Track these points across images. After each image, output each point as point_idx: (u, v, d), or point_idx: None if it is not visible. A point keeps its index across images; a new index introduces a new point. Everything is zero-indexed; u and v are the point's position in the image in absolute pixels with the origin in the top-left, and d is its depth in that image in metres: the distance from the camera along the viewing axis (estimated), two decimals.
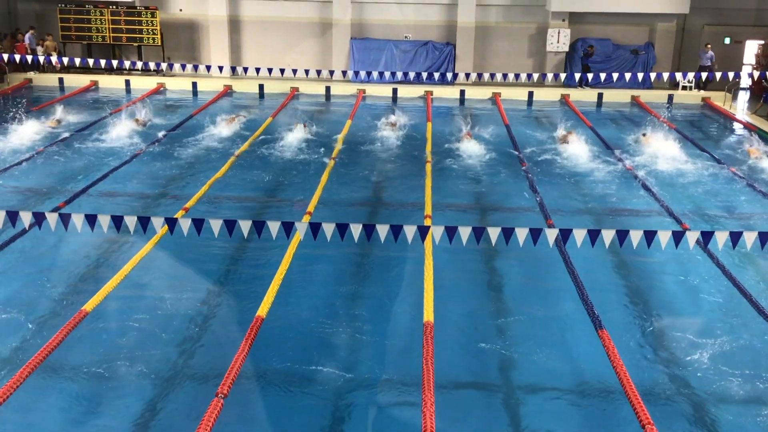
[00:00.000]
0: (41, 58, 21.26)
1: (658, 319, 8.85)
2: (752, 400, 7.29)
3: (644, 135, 17.63)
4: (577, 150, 16.57)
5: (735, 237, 8.00)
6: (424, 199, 12.68)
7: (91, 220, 8.08)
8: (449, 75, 20.24)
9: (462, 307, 9.02)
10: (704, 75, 19.96)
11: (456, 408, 7.01)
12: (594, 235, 8.06)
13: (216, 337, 8.24)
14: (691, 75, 20.74)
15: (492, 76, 18.88)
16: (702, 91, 23.38)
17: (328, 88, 23.55)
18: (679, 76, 21.23)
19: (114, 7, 24.52)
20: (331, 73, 20.48)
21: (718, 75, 18.75)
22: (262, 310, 8.19)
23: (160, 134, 17.28)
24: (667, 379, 7.59)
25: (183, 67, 19.52)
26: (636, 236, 7.99)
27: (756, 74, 19.81)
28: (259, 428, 6.84)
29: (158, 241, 10.18)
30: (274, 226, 8.03)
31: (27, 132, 17.17)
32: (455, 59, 24.98)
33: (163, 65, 20.38)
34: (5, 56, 19.56)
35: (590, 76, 18.95)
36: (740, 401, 7.26)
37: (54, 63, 22.43)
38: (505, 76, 18.77)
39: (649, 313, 9.01)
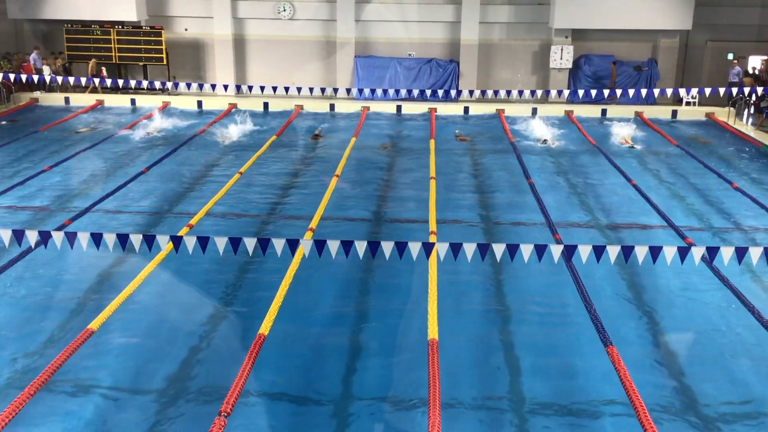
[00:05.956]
0: (47, 78, 21.43)
1: (667, 334, 8.80)
2: (762, 416, 7.22)
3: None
4: (580, 165, 16.59)
5: (740, 252, 7.98)
6: (428, 215, 12.68)
7: (96, 238, 8.10)
8: (453, 92, 20.32)
9: (467, 324, 8.98)
10: (734, 91, 19.85)
11: (463, 427, 6.96)
12: (599, 251, 8.04)
13: (218, 355, 8.21)
14: (694, 91, 20.74)
15: (496, 92, 18.95)
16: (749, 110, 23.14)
17: (332, 106, 23.66)
18: (682, 91, 21.23)
19: (120, 26, 24.75)
20: (336, 90, 20.56)
21: (735, 90, 18.80)
22: (265, 328, 8.16)
23: (165, 152, 17.37)
24: (677, 396, 7.52)
25: (188, 85, 19.64)
26: (641, 252, 7.97)
27: (760, 90, 19.77)
28: None
29: (163, 258, 10.19)
30: (279, 244, 8.03)
31: (35, 150, 17.27)
32: (459, 76, 25.09)
33: (169, 84, 20.50)
34: (11, 76, 19.69)
35: None
36: (751, 418, 7.19)
37: (59, 81, 22.59)
38: (509, 92, 18.83)
39: (657, 329, 8.95)
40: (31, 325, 8.74)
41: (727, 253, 7.94)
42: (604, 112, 23.32)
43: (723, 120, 22.52)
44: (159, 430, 6.81)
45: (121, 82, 20.16)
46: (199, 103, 24.03)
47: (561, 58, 24.69)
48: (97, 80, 21.13)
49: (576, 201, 14.23)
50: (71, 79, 20.29)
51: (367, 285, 10.14)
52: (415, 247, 8.00)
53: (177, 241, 8.22)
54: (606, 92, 18.22)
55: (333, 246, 8.01)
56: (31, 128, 20.10)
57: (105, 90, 24.10)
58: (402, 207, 13.74)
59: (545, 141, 19.09)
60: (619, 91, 18.96)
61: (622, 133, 19.96)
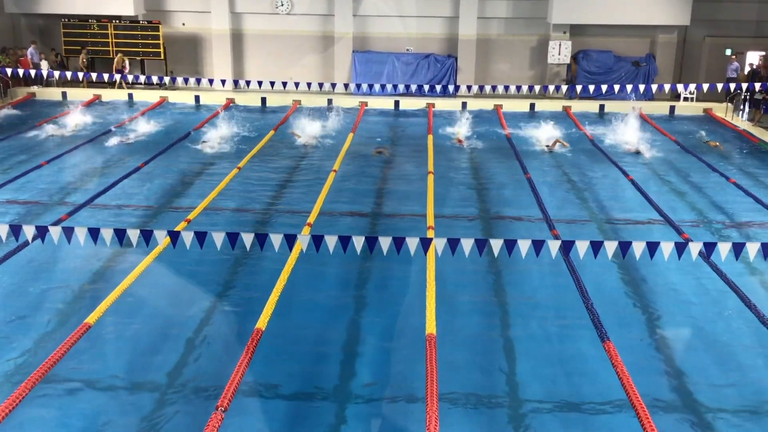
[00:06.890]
0: (44, 72, 21.37)
1: (664, 330, 8.82)
2: (760, 411, 7.24)
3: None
4: (577, 160, 16.60)
5: (738, 248, 7.99)
6: (426, 209, 12.68)
7: (93, 233, 8.08)
8: (451, 87, 20.31)
9: (465, 319, 8.99)
10: (732, 86, 19.79)
11: (460, 422, 6.97)
12: (596, 246, 8.05)
13: (216, 350, 8.22)
14: (692, 86, 20.74)
15: (494, 88, 18.92)
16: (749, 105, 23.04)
17: (330, 101, 23.64)
18: (680, 87, 21.24)
19: (117, 21, 24.67)
20: (333, 85, 20.54)
21: (732, 86, 18.82)
22: (262, 323, 8.16)
23: (162, 147, 17.34)
24: (674, 390, 7.54)
25: (186, 80, 19.60)
26: (639, 247, 7.99)
27: (757, 85, 19.79)
28: None
29: (160, 253, 10.18)
30: (276, 239, 8.04)
31: (31, 144, 17.23)
32: (457, 71, 25.06)
33: (166, 79, 20.46)
34: (8, 70, 19.62)
35: None
36: (748, 412, 7.21)
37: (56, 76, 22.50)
38: (506, 88, 18.81)
39: (655, 324, 8.97)
40: (28, 320, 8.73)
41: (724, 248, 7.96)
42: (602, 107, 23.32)
43: (720, 116, 22.52)
44: (156, 424, 6.82)
45: (118, 76, 20.15)
46: (197, 98, 23.97)
47: (559, 54, 24.67)
48: (130, 76, 21.03)
49: (573, 196, 14.24)
50: (68, 74, 20.24)
51: (365, 280, 10.14)
52: (412, 243, 8.01)
53: (174, 236, 8.21)
54: (604, 88, 18.25)
55: (330, 241, 8.01)
56: (29, 122, 20.04)
57: (129, 85, 24.04)
58: (400, 202, 13.74)
59: (552, 145, 18.31)
60: (617, 87, 18.97)
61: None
